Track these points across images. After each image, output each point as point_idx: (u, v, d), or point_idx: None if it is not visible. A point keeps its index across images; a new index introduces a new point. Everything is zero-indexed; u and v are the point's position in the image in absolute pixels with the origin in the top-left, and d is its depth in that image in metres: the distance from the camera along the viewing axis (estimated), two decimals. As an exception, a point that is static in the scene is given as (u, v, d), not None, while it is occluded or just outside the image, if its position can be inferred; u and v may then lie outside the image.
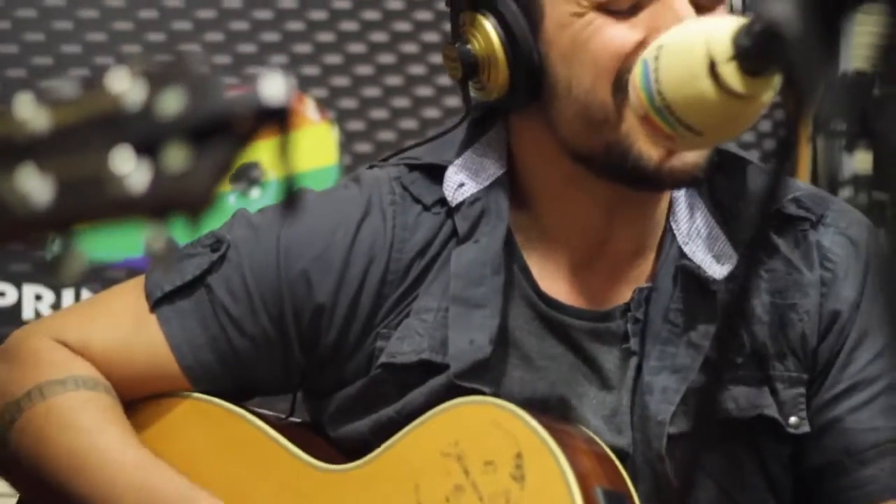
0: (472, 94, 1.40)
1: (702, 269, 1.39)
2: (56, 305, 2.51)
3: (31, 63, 2.51)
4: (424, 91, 2.72)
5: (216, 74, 0.61)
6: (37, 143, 0.65)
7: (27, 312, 2.49)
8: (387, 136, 2.71)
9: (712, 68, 1.09)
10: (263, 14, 2.64)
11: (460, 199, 1.40)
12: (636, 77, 1.18)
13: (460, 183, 1.41)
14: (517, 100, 1.37)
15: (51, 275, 0.67)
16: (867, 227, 1.44)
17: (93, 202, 0.63)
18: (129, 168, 0.62)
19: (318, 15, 2.67)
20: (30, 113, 0.66)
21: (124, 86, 0.63)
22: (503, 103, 1.39)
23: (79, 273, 0.68)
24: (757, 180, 1.42)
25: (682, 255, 1.40)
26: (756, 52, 1.05)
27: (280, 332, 1.41)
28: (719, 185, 1.43)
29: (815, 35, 0.76)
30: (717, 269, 1.39)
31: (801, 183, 1.50)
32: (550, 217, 1.43)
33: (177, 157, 0.62)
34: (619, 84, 1.29)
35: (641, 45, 1.27)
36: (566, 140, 1.37)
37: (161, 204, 0.62)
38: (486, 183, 1.41)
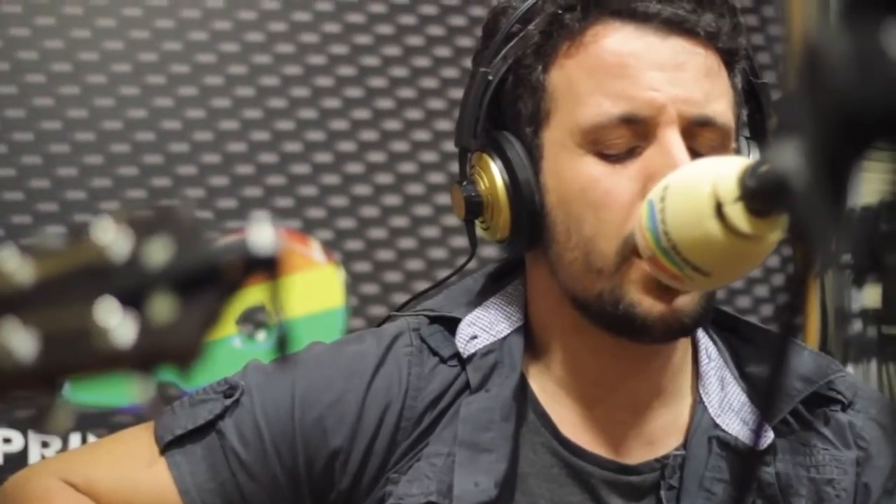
0: (481, 234, 1.40)
1: (739, 441, 1.38)
2: (63, 451, 2.48)
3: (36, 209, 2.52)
4: (430, 232, 2.73)
5: (203, 224, 0.60)
6: (20, 296, 0.64)
7: (34, 458, 2.46)
8: (393, 277, 2.71)
9: (719, 209, 1.07)
10: (268, 158, 2.65)
11: (472, 350, 1.40)
12: (642, 218, 1.16)
13: (473, 335, 1.41)
14: (520, 241, 1.36)
15: (38, 427, 0.65)
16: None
17: (78, 356, 0.62)
18: (114, 321, 0.61)
19: (324, 158, 2.68)
20: (14, 265, 0.64)
21: (109, 236, 0.62)
22: (510, 245, 1.38)
23: (67, 425, 0.66)
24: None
25: (716, 426, 1.40)
26: (762, 193, 1.03)
27: (292, 480, 1.39)
28: (746, 359, 1.43)
29: (823, 185, 0.74)
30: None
31: (808, 349, 1.49)
32: (558, 367, 1.41)
33: (163, 308, 0.60)
34: (628, 240, 1.28)
35: (640, 194, 1.27)
36: (565, 284, 1.36)
37: (148, 356, 0.60)
38: (501, 335, 1.40)
